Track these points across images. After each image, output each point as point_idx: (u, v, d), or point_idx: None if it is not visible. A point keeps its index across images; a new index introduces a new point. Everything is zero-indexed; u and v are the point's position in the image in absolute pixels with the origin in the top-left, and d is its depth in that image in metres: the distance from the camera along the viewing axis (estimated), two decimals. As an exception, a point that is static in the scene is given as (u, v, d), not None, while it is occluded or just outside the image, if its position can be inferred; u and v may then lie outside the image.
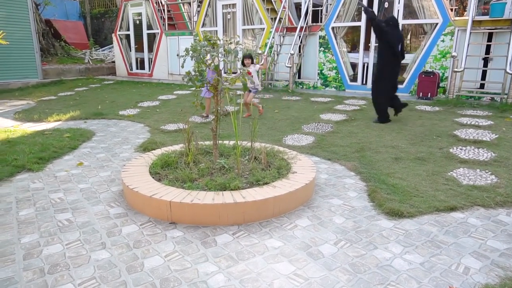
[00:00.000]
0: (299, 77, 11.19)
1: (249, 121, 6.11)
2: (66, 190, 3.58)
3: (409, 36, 10.73)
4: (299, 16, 11.38)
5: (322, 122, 6.36)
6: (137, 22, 14.66)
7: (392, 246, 2.53)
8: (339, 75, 10.32)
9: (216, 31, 12.33)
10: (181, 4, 15.04)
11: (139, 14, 14.46)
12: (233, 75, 6.12)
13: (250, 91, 6.56)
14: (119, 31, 15.30)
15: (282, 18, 10.86)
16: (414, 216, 2.95)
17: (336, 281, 2.16)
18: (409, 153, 4.54)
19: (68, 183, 3.76)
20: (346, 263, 2.34)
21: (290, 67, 9.95)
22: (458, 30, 8.42)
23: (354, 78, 10.24)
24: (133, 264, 2.34)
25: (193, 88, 3.62)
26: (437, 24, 8.68)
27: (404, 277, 2.19)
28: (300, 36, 10.44)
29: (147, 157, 3.89)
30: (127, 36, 15.15)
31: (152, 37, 14.37)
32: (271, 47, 10.85)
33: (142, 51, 14.80)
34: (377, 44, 6.61)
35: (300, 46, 10.77)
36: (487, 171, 3.89)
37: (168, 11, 14.14)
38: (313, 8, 10.80)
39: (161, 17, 13.80)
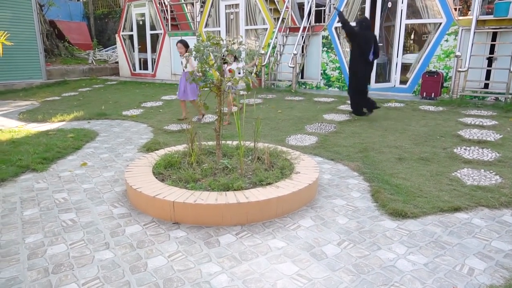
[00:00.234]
0: (302, 77, 11.18)
1: (252, 121, 6.11)
2: (70, 190, 3.60)
3: (412, 36, 10.69)
4: (302, 16, 11.36)
5: (325, 122, 6.35)
6: (140, 22, 14.70)
7: (395, 246, 2.53)
8: (342, 75, 10.30)
9: (219, 31, 12.34)
10: (184, 5, 15.07)
11: (142, 15, 14.50)
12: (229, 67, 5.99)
13: (231, 92, 6.11)
14: (123, 31, 15.35)
15: (285, 18, 10.85)
16: (418, 216, 2.93)
17: (339, 282, 2.15)
18: (413, 153, 4.53)
19: (72, 183, 3.78)
20: (349, 264, 2.33)
21: (293, 67, 9.94)
22: (462, 29, 8.38)
23: (357, 78, 10.20)
24: (136, 264, 2.35)
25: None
26: (440, 23, 8.64)
27: (408, 278, 2.18)
28: (303, 36, 10.43)
29: (150, 158, 3.90)
30: (131, 37, 15.20)
31: (155, 38, 14.40)
32: (274, 47, 10.85)
33: (145, 51, 14.84)
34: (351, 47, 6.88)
35: (303, 46, 10.76)
36: (491, 171, 3.87)
37: (171, 11, 14.17)
38: (316, 8, 10.79)
39: (164, 17, 13.83)
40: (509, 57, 7.58)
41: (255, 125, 3.77)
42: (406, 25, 9.22)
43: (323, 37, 10.48)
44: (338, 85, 10.43)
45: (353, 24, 6.83)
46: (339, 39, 10.18)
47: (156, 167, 3.60)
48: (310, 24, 10.57)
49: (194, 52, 3.40)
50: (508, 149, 4.55)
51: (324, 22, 10.87)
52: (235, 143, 4.26)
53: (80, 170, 4.17)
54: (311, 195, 3.29)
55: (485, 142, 4.87)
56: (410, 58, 9.67)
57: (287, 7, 10.78)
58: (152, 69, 14.77)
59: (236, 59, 6.20)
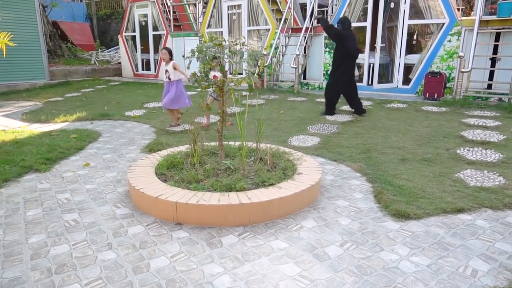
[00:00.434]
0: (304, 78, 11.17)
1: (254, 122, 6.11)
2: (72, 190, 3.61)
3: (415, 36, 10.66)
4: (304, 17, 11.36)
5: (328, 123, 6.34)
6: (143, 23, 14.74)
7: (398, 248, 2.52)
8: (345, 76, 10.27)
9: (222, 32, 12.36)
10: (186, 5, 15.10)
11: (145, 16, 14.53)
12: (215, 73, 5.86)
13: (211, 95, 5.84)
14: (125, 32, 15.39)
15: (287, 19, 10.85)
16: (420, 217, 2.92)
17: (342, 283, 2.15)
18: (416, 154, 4.51)
19: (74, 183, 3.79)
20: (352, 265, 2.32)
21: (295, 68, 9.93)
22: (465, 30, 8.35)
23: (359, 79, 10.19)
24: (139, 264, 2.35)
25: (199, 89, 3.64)
26: (443, 24, 8.62)
27: (411, 279, 2.17)
28: (305, 37, 10.43)
29: (153, 158, 3.91)
30: (133, 38, 15.24)
31: (157, 38, 14.43)
32: (276, 48, 10.85)
33: (148, 52, 14.87)
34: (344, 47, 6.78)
35: (305, 47, 10.76)
36: (495, 172, 3.85)
37: (174, 12, 14.20)
38: (318, 9, 10.78)
39: (166, 18, 13.86)
40: (512, 58, 7.55)
41: (257, 126, 3.77)
42: (409, 26, 9.20)
43: (325, 38, 10.46)
44: (340, 86, 10.40)
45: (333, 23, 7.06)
46: (341, 39, 10.15)
47: (158, 168, 3.60)
48: (312, 24, 10.56)
49: (196, 53, 3.40)
50: (512, 150, 4.53)
51: (326, 22, 10.85)
52: (237, 143, 4.26)
53: (83, 171, 4.18)
54: (313, 196, 3.29)
55: (488, 143, 4.85)
56: (413, 58, 9.65)
57: (289, 8, 10.78)
58: (155, 69, 14.81)
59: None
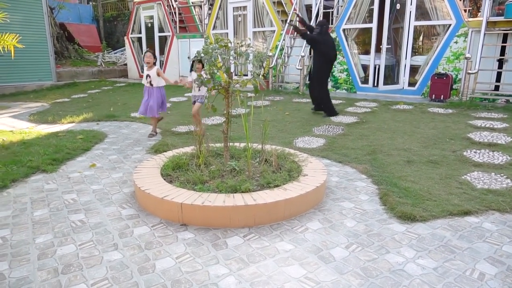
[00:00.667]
0: (309, 79, 11.13)
1: (259, 123, 6.11)
2: (79, 191, 3.63)
3: (421, 38, 10.61)
4: (310, 18, 11.35)
5: (333, 124, 6.33)
6: (149, 25, 14.82)
7: (404, 250, 2.50)
8: (350, 77, 10.26)
9: (227, 33, 12.39)
10: (192, 7, 15.16)
11: (151, 17, 14.62)
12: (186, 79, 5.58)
13: (195, 101, 5.53)
14: (131, 34, 15.49)
15: (292, 20, 10.85)
16: (427, 220, 2.90)
17: (347, 285, 2.14)
18: (422, 156, 4.49)
19: (81, 184, 3.82)
20: (357, 267, 2.31)
21: (300, 69, 9.93)
22: (472, 31, 8.29)
23: (365, 80, 10.17)
24: (144, 265, 2.36)
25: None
26: (450, 25, 8.57)
27: (417, 282, 2.16)
28: (310, 38, 10.40)
29: (158, 159, 3.93)
30: (139, 39, 15.33)
31: (163, 40, 14.51)
32: (281, 49, 10.85)
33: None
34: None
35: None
36: (502, 174, 3.81)
37: (179, 14, 14.27)
38: (324, 10, 10.77)
39: (172, 20, 13.93)
40: (520, 59, 7.48)
41: (262, 127, 3.77)
42: (415, 27, 9.15)
43: (331, 39, 10.44)
44: (346, 87, 10.39)
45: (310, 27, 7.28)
46: (347, 41, 10.14)
47: (164, 169, 3.62)
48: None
49: (202, 55, 3.42)
50: (519, 152, 4.48)
51: (332, 24, 10.84)
52: (242, 145, 4.27)
53: (89, 171, 4.21)
54: (319, 197, 3.28)
55: (495, 145, 4.81)
56: (419, 60, 9.60)
57: (294, 9, 10.78)
58: (160, 71, 14.86)
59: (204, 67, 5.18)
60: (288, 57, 11.00)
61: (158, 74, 5.57)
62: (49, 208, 3.24)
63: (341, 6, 10.53)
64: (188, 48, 13.55)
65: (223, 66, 3.48)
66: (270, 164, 3.63)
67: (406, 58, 9.22)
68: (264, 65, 10.07)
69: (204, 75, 3.52)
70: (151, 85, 5.61)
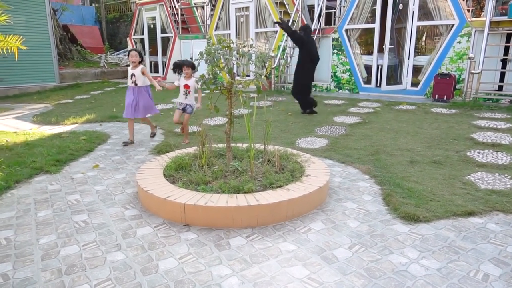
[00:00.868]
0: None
1: (262, 123, 6.11)
2: (82, 192, 3.64)
3: (424, 38, 10.58)
4: (312, 19, 11.35)
5: (336, 124, 6.32)
6: (151, 26, 14.86)
7: (408, 251, 2.49)
8: (353, 78, 10.24)
9: (229, 34, 12.40)
10: (194, 8, 15.19)
11: (153, 18, 14.66)
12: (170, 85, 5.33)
13: (184, 110, 5.29)
14: (134, 35, 15.54)
15: (295, 21, 10.84)
16: (430, 220, 2.89)
17: (351, 286, 2.13)
18: (425, 156, 4.47)
19: (84, 185, 3.83)
20: (361, 268, 2.31)
21: (303, 69, 9.91)
22: (475, 31, 8.26)
23: (368, 81, 10.15)
24: (147, 266, 2.36)
25: (207, 91, 3.63)
26: (453, 25, 8.54)
27: (421, 283, 2.15)
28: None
29: (161, 160, 3.93)
30: (142, 40, 15.38)
31: (166, 41, 14.54)
32: (284, 50, 10.85)
33: (156, 54, 14.99)
34: (299, 53, 7.33)
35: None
36: (506, 175, 3.80)
37: (182, 15, 14.29)
38: (326, 11, 10.76)
39: (175, 21, 13.96)
40: (523, 59, 7.45)
41: (265, 128, 3.77)
42: (418, 27, 9.13)
43: (333, 40, 10.44)
44: (348, 88, 10.38)
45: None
46: (349, 41, 10.13)
47: (167, 170, 3.62)
48: (320, 26, 10.55)
49: (205, 55, 3.42)
50: (524, 153, 4.46)
51: (334, 24, 10.84)
52: (245, 145, 4.27)
53: (92, 172, 4.22)
54: (321, 198, 3.28)
55: (499, 145, 4.79)
56: (422, 60, 9.57)
57: (297, 10, 10.78)
58: (163, 72, 14.91)
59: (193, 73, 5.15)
60: (290, 57, 10.99)
61: (143, 73, 5.31)
62: (53, 209, 3.25)
63: (344, 7, 10.52)
64: (190, 49, 13.58)
65: (225, 67, 3.49)
66: (273, 164, 3.63)
67: (409, 58, 9.20)
68: (266, 66, 10.06)
69: (206, 76, 3.52)
70: (136, 84, 5.34)
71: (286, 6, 11.71)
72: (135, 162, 4.57)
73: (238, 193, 3.06)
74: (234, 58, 3.49)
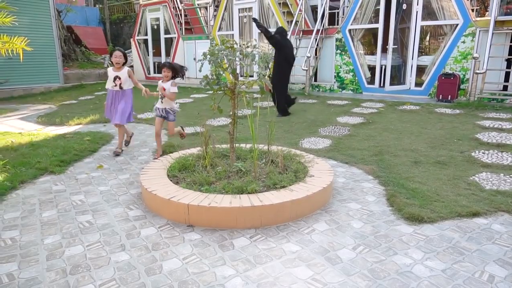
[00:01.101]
0: (315, 80, 11.13)
1: (265, 124, 6.10)
2: (86, 192, 3.66)
3: (428, 38, 10.54)
4: (315, 19, 11.33)
5: (339, 125, 6.31)
6: (155, 27, 14.90)
7: (412, 252, 2.48)
8: (356, 78, 10.22)
9: (233, 35, 12.42)
10: (197, 9, 15.22)
11: (157, 19, 14.70)
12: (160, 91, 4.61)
13: (165, 117, 4.71)
14: (137, 36, 15.59)
15: (298, 21, 10.84)
16: (435, 221, 2.88)
17: (355, 287, 2.13)
18: (429, 156, 4.45)
19: (88, 185, 3.85)
20: (365, 269, 2.30)
21: (306, 70, 9.91)
22: (479, 31, 8.22)
23: (371, 81, 10.12)
24: (151, 266, 2.37)
25: (210, 92, 3.61)
26: (457, 25, 8.50)
27: (425, 284, 2.14)
28: (316, 39, 10.40)
29: (165, 160, 3.94)
30: (145, 41, 15.42)
31: (169, 42, 14.58)
32: (287, 50, 10.82)
33: (160, 55, 15.03)
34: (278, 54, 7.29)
35: (316, 49, 10.73)
36: (511, 175, 3.77)
37: (185, 15, 14.33)
38: (329, 11, 10.75)
39: (178, 21, 13.99)
40: (529, 58, 7.39)
41: (268, 128, 3.77)
42: (422, 27, 9.09)
43: (336, 40, 10.42)
44: (351, 88, 10.35)
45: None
46: (353, 41, 10.11)
47: (170, 170, 3.63)
48: (323, 26, 10.53)
49: (208, 56, 3.42)
50: (529, 153, 4.43)
51: (337, 24, 10.82)
52: (248, 146, 4.27)
53: (96, 173, 4.24)
54: (325, 198, 3.27)
55: (504, 146, 4.76)
56: (426, 60, 9.53)
57: (300, 10, 10.77)
58: (166, 72, 14.92)
59: (174, 77, 4.67)
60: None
61: (130, 76, 4.94)
62: (57, 209, 3.27)
63: (347, 7, 10.50)
64: (193, 50, 13.61)
65: (229, 68, 3.49)
66: (276, 165, 3.62)
67: (412, 58, 9.16)
68: (269, 66, 10.07)
69: (210, 76, 3.52)
70: (121, 88, 4.92)
71: (289, 6, 11.70)
72: (139, 163, 4.58)
73: (241, 193, 3.06)
74: (237, 59, 3.49)
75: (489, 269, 2.28)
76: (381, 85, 9.76)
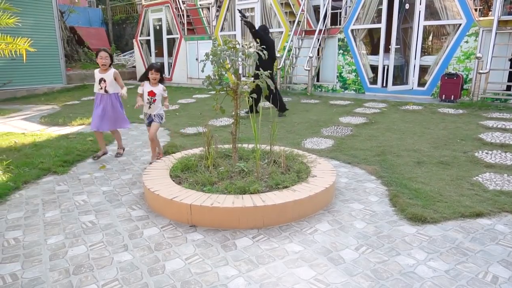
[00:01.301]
0: (317, 80, 11.12)
1: (268, 124, 6.11)
2: (89, 192, 3.67)
3: (430, 37, 10.51)
4: (317, 19, 11.32)
5: (342, 125, 6.29)
6: (157, 27, 14.93)
7: (415, 252, 2.47)
8: (359, 78, 10.20)
9: (235, 35, 12.42)
10: (200, 9, 15.24)
11: (159, 20, 14.73)
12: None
13: (152, 121, 4.39)
14: (140, 36, 15.63)
15: (300, 21, 10.83)
16: (438, 221, 2.87)
17: (358, 287, 2.12)
18: (432, 157, 4.44)
19: (91, 185, 3.86)
20: (367, 269, 2.29)
21: (308, 70, 9.90)
22: (482, 30, 8.19)
23: (374, 81, 10.10)
24: (154, 266, 2.37)
25: (213, 92, 3.59)
26: (460, 24, 8.47)
27: (429, 285, 2.13)
28: (318, 39, 10.39)
29: (167, 160, 3.95)
30: (148, 41, 15.46)
31: (171, 42, 14.60)
32: (289, 50, 10.84)
33: (162, 55, 15.05)
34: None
35: (318, 49, 10.72)
36: (515, 176, 3.75)
37: (188, 16, 14.35)
38: (332, 11, 10.74)
39: (180, 22, 14.01)
40: (532, 58, 7.36)
41: (271, 128, 3.77)
42: (424, 27, 9.07)
43: (339, 40, 10.41)
44: (354, 88, 10.34)
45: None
46: (355, 41, 10.09)
47: (173, 170, 3.64)
48: (326, 26, 10.52)
49: (211, 56, 3.43)
50: (533, 153, 4.40)
51: (340, 24, 10.80)
52: (251, 146, 4.27)
53: (99, 173, 4.25)
54: (328, 199, 3.26)
55: (508, 146, 4.73)
56: (429, 60, 9.50)
57: (302, 10, 10.76)
58: (169, 73, 14.97)
59: (162, 80, 4.37)
60: (296, 58, 10.98)
61: (115, 78, 4.59)
62: (60, 209, 3.28)
63: (349, 7, 10.48)
64: (196, 50, 13.62)
65: (231, 68, 3.49)
66: (279, 165, 3.62)
67: (415, 58, 9.14)
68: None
69: (212, 77, 3.53)
70: (106, 91, 4.58)
71: (292, 6, 11.70)
72: (141, 163, 4.59)
73: (244, 194, 3.06)
74: (239, 59, 3.49)
75: (492, 270, 2.27)
76: (384, 85, 9.74)
